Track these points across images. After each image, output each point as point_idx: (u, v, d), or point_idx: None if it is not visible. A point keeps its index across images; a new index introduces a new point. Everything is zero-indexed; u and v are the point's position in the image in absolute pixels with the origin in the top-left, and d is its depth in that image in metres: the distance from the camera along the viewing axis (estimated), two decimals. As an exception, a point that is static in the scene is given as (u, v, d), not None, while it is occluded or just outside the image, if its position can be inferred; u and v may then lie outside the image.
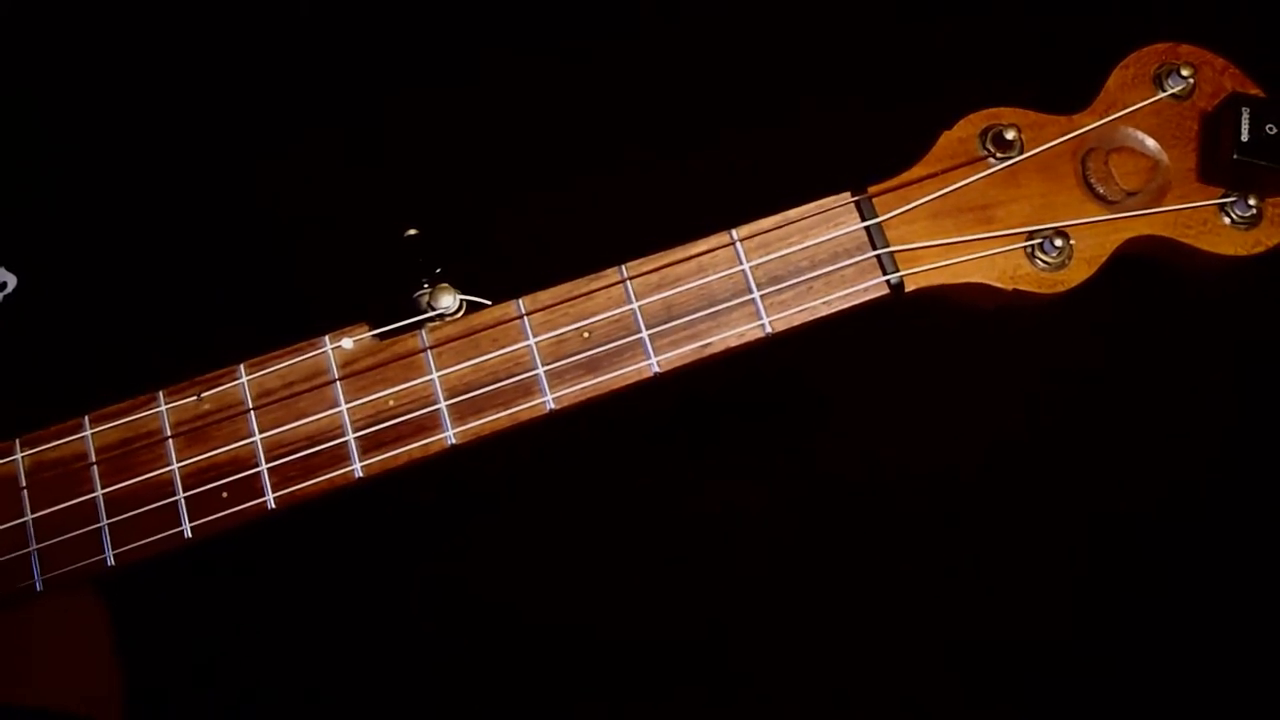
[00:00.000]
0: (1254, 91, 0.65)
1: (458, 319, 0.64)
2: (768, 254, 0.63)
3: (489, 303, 0.64)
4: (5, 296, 0.92)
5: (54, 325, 0.96)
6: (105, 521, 0.62)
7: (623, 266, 0.64)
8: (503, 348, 0.63)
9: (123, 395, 0.64)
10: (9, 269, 0.93)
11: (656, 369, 0.63)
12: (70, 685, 0.69)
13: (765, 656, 1.01)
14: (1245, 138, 0.61)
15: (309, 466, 0.63)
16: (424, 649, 1.00)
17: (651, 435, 1.02)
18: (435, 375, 0.63)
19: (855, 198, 0.64)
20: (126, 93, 1.08)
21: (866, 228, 0.63)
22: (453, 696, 0.99)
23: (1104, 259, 0.63)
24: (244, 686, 0.97)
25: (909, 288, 0.63)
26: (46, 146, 1.06)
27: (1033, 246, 0.63)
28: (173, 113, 1.08)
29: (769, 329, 0.63)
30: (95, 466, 0.63)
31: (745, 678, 1.00)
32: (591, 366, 0.63)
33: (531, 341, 0.63)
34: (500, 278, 0.65)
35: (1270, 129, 0.61)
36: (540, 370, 0.63)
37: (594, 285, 0.64)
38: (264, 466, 0.63)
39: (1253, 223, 0.63)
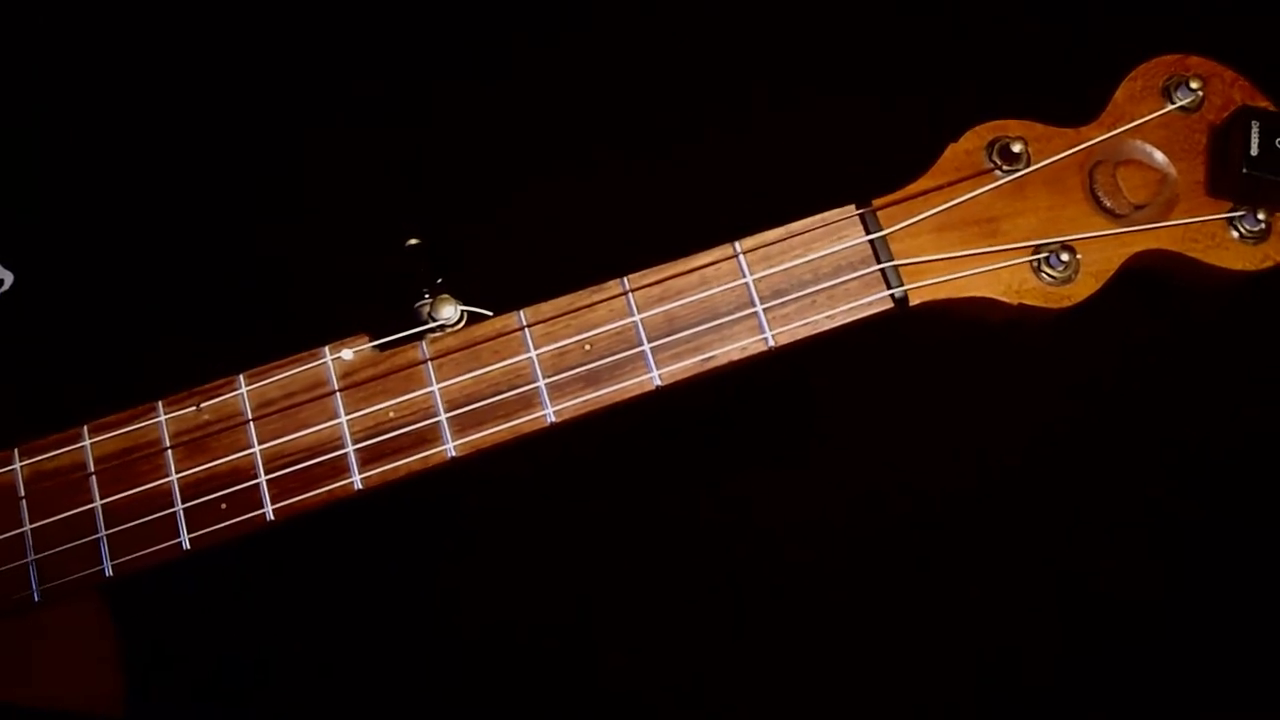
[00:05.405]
0: (1264, 104, 0.64)
1: (459, 330, 0.63)
2: (771, 267, 0.63)
3: (490, 314, 0.63)
4: (1, 294, 0.91)
5: (50, 323, 0.96)
6: (104, 532, 0.62)
7: (625, 279, 0.63)
8: (504, 360, 0.63)
9: (121, 402, 0.64)
10: (5, 266, 0.92)
11: (658, 382, 0.62)
12: (73, 685, 0.70)
13: (767, 665, 1.01)
14: (1255, 152, 0.61)
15: (308, 478, 0.62)
16: (422, 654, 1.00)
17: (652, 449, 1.02)
18: (436, 387, 0.63)
19: (859, 210, 0.63)
20: (126, 93, 1.07)
21: (871, 241, 0.63)
22: (449, 701, 0.99)
23: (1111, 273, 0.62)
24: (243, 687, 0.97)
25: (913, 301, 0.62)
26: (46, 146, 1.05)
27: (1039, 260, 0.62)
28: (173, 114, 1.08)
29: (772, 342, 0.62)
30: (94, 477, 0.63)
31: (747, 686, 1.00)
32: (593, 379, 0.62)
33: (533, 354, 0.63)
34: (502, 289, 0.64)
35: (1280, 143, 0.61)
36: (541, 383, 0.62)
37: (596, 297, 0.63)
38: (263, 478, 0.62)
39: (1261, 237, 0.63)
